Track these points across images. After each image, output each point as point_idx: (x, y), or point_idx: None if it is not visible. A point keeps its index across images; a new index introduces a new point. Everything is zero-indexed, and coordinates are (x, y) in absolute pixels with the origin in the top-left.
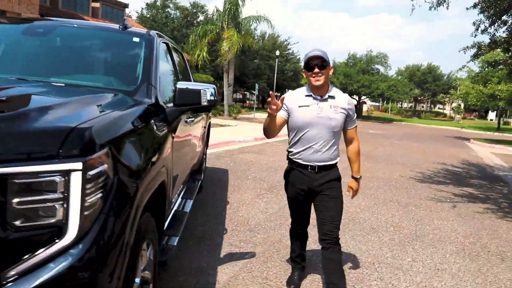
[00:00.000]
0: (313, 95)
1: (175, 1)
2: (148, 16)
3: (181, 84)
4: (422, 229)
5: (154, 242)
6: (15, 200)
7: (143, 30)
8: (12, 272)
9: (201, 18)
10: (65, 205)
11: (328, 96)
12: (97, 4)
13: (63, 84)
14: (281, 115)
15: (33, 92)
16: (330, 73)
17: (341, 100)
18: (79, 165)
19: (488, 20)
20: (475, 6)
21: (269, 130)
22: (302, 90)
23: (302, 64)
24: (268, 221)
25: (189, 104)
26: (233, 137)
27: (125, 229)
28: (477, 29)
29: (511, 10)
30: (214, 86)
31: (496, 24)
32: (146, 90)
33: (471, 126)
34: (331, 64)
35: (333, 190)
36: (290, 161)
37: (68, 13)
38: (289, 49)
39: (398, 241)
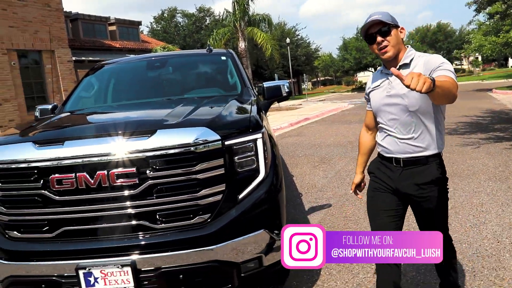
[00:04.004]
0: (384, 70)
1: (182, 10)
2: (158, 28)
3: (266, 83)
4: (457, 168)
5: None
6: (236, 157)
7: (223, 50)
8: (241, 195)
9: (208, 21)
10: (257, 158)
11: (400, 66)
12: (113, 27)
13: (196, 97)
14: (368, 108)
15: (195, 103)
16: (402, 36)
17: (418, 65)
18: (259, 135)
19: None
20: None
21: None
22: (381, 68)
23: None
24: (331, 182)
25: (276, 96)
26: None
27: (280, 169)
28: None
29: None
30: (288, 80)
31: None
32: (248, 91)
33: (492, 76)
34: (389, 29)
35: (427, 199)
36: (379, 153)
37: (90, 41)
38: (297, 35)
39: None
